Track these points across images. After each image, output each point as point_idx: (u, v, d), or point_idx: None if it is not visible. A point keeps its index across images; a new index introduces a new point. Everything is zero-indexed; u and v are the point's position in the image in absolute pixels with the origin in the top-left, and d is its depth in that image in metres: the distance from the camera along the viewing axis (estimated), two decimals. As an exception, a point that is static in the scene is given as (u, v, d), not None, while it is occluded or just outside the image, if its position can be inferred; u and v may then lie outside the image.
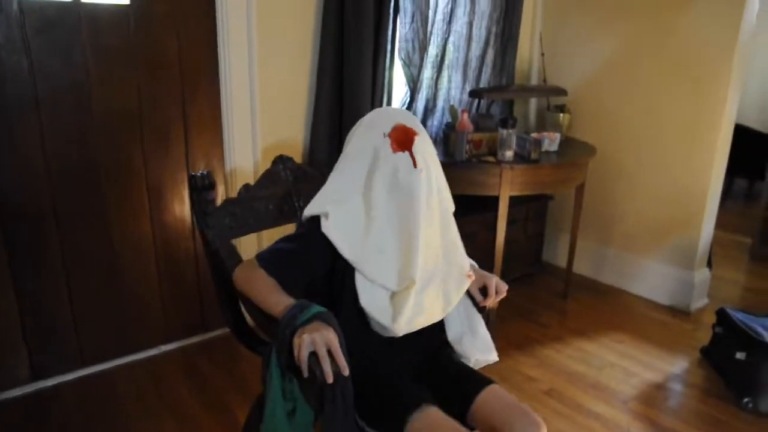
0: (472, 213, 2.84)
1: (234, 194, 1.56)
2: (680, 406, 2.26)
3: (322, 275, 1.30)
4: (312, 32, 2.45)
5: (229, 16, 2.23)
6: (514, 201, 2.66)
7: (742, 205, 5.09)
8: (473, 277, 1.39)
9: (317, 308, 1.15)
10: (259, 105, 2.37)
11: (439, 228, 1.31)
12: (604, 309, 3.02)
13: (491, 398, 1.25)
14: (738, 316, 2.45)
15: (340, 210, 1.26)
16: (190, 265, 2.44)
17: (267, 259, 1.24)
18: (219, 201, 1.47)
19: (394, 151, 1.25)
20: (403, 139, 1.26)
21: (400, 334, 1.23)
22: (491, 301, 1.41)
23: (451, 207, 1.40)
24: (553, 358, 2.52)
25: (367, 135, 1.30)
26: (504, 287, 1.41)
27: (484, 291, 1.42)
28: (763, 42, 5.05)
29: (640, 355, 2.58)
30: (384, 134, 1.26)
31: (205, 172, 1.45)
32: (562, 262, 3.33)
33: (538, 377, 2.36)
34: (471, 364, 1.42)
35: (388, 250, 1.24)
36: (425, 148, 1.28)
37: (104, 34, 2.05)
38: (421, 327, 1.27)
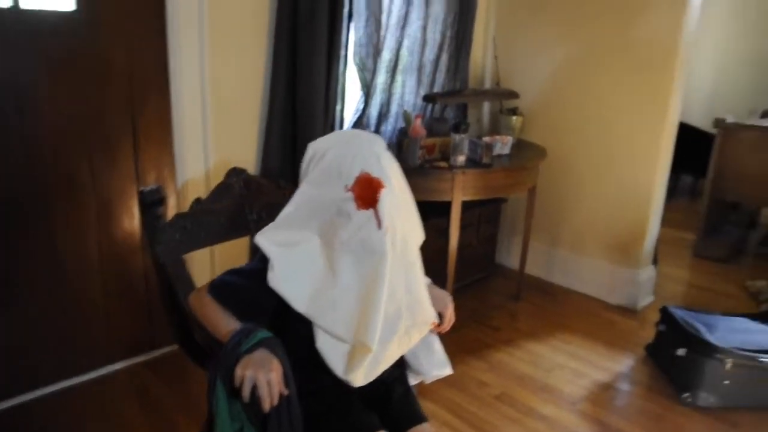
0: (424, 218, 2.85)
1: (186, 207, 1.54)
2: (626, 405, 2.34)
3: (271, 313, 1.28)
4: (265, 39, 2.42)
5: (180, 22, 2.17)
6: (467, 205, 2.70)
7: (687, 202, 5.27)
8: (437, 326, 1.37)
9: (262, 333, 1.14)
10: (211, 114, 2.33)
11: (404, 282, 1.24)
12: (555, 310, 3.10)
13: None
14: (680, 313, 2.55)
15: (290, 256, 1.19)
16: (140, 281, 2.38)
17: (217, 291, 1.24)
18: (171, 214, 1.45)
19: (358, 208, 1.15)
20: (367, 195, 1.15)
21: (357, 386, 1.19)
22: (445, 329, 1.41)
23: (420, 238, 1.34)
24: (505, 361, 2.57)
25: (327, 184, 1.20)
26: (453, 315, 1.43)
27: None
28: (707, 45, 5.24)
29: (588, 355, 2.66)
30: (346, 187, 1.16)
31: (154, 187, 1.43)
32: (515, 263, 3.39)
33: (490, 382, 2.41)
34: (427, 380, 1.44)
35: (344, 306, 1.17)
36: (393, 200, 1.18)
37: (48, 42, 1.97)
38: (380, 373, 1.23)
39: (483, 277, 3.38)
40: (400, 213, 1.20)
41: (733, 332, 2.43)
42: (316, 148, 1.27)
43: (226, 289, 1.25)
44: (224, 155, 2.40)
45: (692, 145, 4.42)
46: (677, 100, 2.91)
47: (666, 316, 2.59)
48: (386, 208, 1.15)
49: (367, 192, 1.15)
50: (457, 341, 2.65)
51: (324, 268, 1.19)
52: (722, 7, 5.18)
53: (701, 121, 4.79)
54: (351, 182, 1.16)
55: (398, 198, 1.20)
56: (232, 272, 1.29)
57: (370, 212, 1.15)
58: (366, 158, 1.18)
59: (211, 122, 2.34)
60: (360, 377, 1.17)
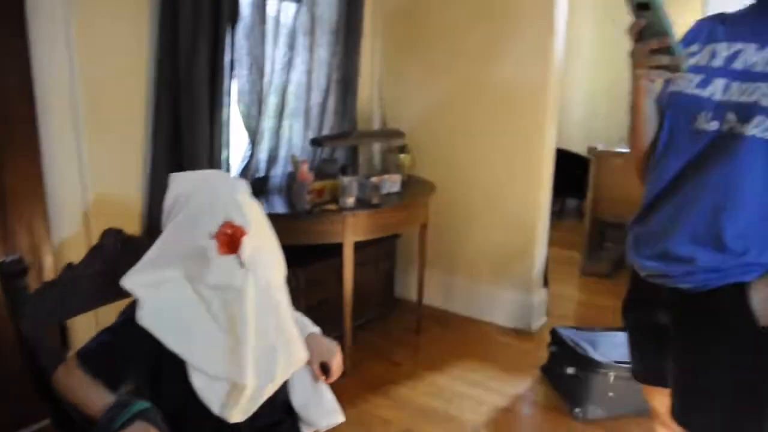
0: (321, 258, 2.88)
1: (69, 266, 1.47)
2: (524, 426, 2.44)
3: (151, 359, 1.26)
4: (144, 89, 2.37)
5: (47, 64, 2.05)
6: (362, 243, 2.74)
7: (574, 223, 5.61)
8: (326, 378, 1.43)
9: (139, 405, 1.11)
10: (90, 170, 2.23)
11: (274, 322, 1.31)
12: (455, 339, 3.17)
13: None
14: (567, 333, 2.70)
15: (158, 295, 1.23)
16: (10, 351, 2.20)
17: (86, 360, 1.21)
18: (50, 274, 1.40)
19: (221, 253, 1.22)
20: (230, 241, 1.23)
21: (233, 422, 1.23)
22: (333, 379, 1.44)
23: (283, 273, 1.40)
24: (408, 396, 2.60)
25: (191, 231, 1.25)
26: (341, 365, 1.46)
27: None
28: (582, 75, 5.68)
29: (488, 381, 2.74)
30: (210, 234, 1.22)
31: (15, 258, 1.36)
32: (414, 296, 3.45)
33: (394, 419, 2.42)
34: (320, 429, 1.45)
35: (213, 344, 1.23)
36: (256, 243, 1.26)
37: None
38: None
39: (383, 313, 3.41)
40: (262, 255, 1.29)
41: (614, 347, 2.59)
42: (178, 191, 1.31)
43: (95, 355, 1.23)
44: (106, 212, 2.29)
45: (574, 170, 4.75)
46: (552, 129, 3.12)
47: (555, 337, 2.73)
48: (248, 252, 1.23)
49: (230, 239, 1.23)
50: (359, 379, 2.66)
51: (191, 307, 1.24)
52: (587, 42, 5.64)
53: (581, 147, 5.15)
54: (215, 230, 1.22)
55: (260, 241, 1.28)
56: (102, 332, 1.29)
57: (232, 257, 1.22)
58: (228, 207, 1.25)
59: (90, 178, 2.24)
60: (237, 414, 1.22)
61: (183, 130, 2.39)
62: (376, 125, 3.55)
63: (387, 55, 3.53)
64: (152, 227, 2.39)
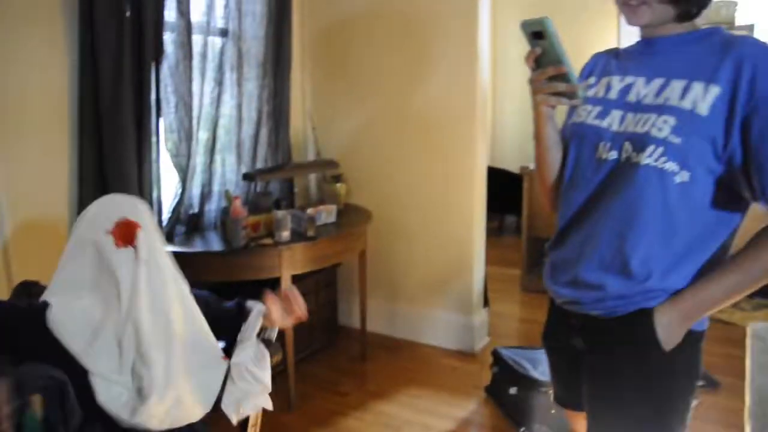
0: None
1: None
2: (470, 450, 2.45)
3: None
4: (67, 137, 2.29)
5: None
6: (302, 273, 2.71)
7: (513, 239, 5.73)
8: (228, 359, 1.45)
9: None
10: (11, 231, 2.14)
11: (182, 316, 1.37)
12: (400, 365, 3.17)
13: None
14: (507, 353, 2.75)
15: (64, 303, 1.28)
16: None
17: None
18: None
19: (118, 246, 1.29)
20: (126, 233, 1.30)
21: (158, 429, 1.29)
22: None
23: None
24: (356, 428, 2.57)
25: (88, 232, 1.32)
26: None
27: None
28: (513, 96, 5.86)
29: (433, 405, 2.75)
30: (107, 231, 1.29)
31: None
32: (358, 323, 3.45)
33: (340, 453, 2.40)
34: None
35: (119, 349, 1.27)
36: (151, 239, 1.34)
37: None
38: (184, 423, 1.33)
39: (328, 342, 3.39)
40: (160, 252, 1.37)
41: (553, 362, 2.65)
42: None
43: None
44: (29, 270, 2.19)
45: (510, 188, 4.87)
46: (482, 147, 3.19)
47: (497, 357, 2.77)
48: (144, 245, 1.31)
49: (125, 232, 1.31)
50: (306, 414, 2.61)
51: (96, 316, 1.28)
52: (516, 62, 5.83)
53: (516, 166, 5.29)
54: (111, 227, 1.30)
55: (155, 240, 1.37)
56: None
57: (129, 249, 1.30)
58: (123, 207, 1.36)
59: (11, 238, 2.14)
60: (156, 422, 1.27)
61: (109, 173, 2.33)
62: (310, 156, 3.55)
63: (316, 85, 3.56)
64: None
